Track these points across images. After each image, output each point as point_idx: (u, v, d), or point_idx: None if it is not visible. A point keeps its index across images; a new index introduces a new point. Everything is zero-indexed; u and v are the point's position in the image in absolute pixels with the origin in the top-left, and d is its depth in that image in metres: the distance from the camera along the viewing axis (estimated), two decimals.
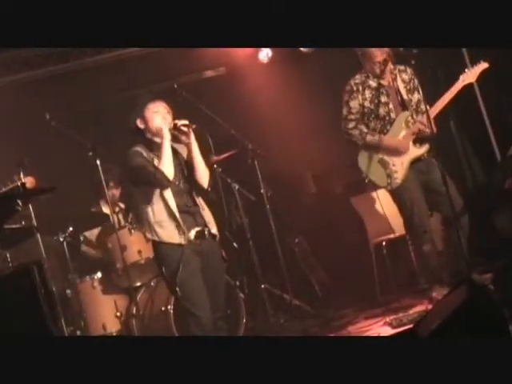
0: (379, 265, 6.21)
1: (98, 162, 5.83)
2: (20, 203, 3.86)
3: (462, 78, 5.43)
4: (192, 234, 4.50)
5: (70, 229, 5.94)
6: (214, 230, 4.65)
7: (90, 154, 5.83)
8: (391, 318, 5.25)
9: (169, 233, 4.48)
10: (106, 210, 6.38)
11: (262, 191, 6.75)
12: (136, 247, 6.07)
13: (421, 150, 5.48)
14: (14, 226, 4.84)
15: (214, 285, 4.57)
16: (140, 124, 4.59)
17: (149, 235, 4.60)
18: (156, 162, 4.49)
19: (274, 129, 7.43)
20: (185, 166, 4.65)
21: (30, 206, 5.05)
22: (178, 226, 4.47)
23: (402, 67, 5.57)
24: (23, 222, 5.17)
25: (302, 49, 7.14)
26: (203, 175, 4.61)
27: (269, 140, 7.30)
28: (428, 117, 5.13)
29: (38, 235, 5.44)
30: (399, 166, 5.43)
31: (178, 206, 4.49)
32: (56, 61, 6.97)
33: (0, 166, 4.62)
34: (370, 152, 5.50)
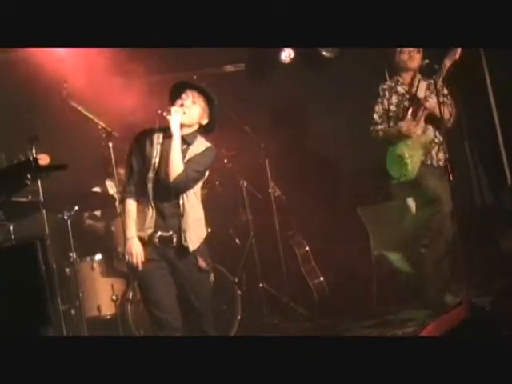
0: (379, 276, 6.21)
1: (110, 144, 5.85)
2: (30, 178, 3.85)
3: (445, 61, 5.48)
4: (157, 235, 4.29)
5: (76, 208, 5.95)
6: (188, 242, 4.32)
7: (104, 135, 5.85)
8: (386, 329, 5.29)
9: (136, 224, 4.33)
10: (113, 192, 6.40)
11: (269, 190, 6.77)
12: None
13: (428, 133, 5.62)
14: (20, 199, 4.85)
15: (192, 300, 4.39)
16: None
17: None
18: (156, 146, 4.34)
19: (287, 129, 7.43)
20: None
21: (39, 181, 5.08)
22: (145, 221, 4.31)
23: (431, 81, 5.65)
24: (30, 197, 5.18)
25: (323, 52, 7.15)
26: (174, 169, 4.23)
27: (281, 140, 7.31)
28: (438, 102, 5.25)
29: (44, 211, 5.46)
30: (415, 158, 5.57)
31: (155, 195, 4.29)
32: None
33: (15, 141, 4.62)
34: (392, 148, 5.67)
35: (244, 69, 7.43)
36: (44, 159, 4.28)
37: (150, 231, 4.30)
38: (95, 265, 6.21)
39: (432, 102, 5.53)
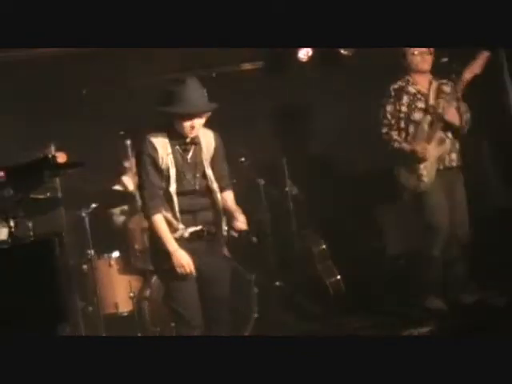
0: (396, 276, 6.20)
1: (128, 142, 5.88)
2: (48, 175, 3.87)
3: (465, 74, 5.46)
4: (187, 232, 4.35)
5: (94, 205, 5.98)
6: (214, 230, 4.47)
7: (122, 133, 5.88)
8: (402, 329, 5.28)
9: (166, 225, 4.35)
10: (132, 189, 6.42)
11: (286, 189, 6.77)
12: None
13: (443, 148, 5.60)
14: (39, 196, 4.87)
15: (212, 287, 4.46)
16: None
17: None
18: (171, 158, 4.32)
19: (304, 127, 7.41)
20: (197, 169, 4.43)
21: (58, 179, 5.10)
22: (175, 221, 4.34)
23: (444, 80, 5.67)
24: (48, 194, 5.20)
25: (341, 50, 7.13)
26: (217, 175, 4.46)
27: (299, 139, 7.30)
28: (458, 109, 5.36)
29: (62, 208, 5.49)
30: (425, 170, 5.55)
31: (180, 204, 4.33)
32: None
33: (33, 139, 4.66)
34: (403, 156, 5.62)
35: (262, 67, 7.42)
36: (61, 157, 4.30)
37: (181, 231, 4.34)
38: (112, 262, 6.22)
39: (450, 113, 5.55)
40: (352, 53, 6.81)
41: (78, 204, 5.89)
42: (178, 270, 4.28)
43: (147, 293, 6.07)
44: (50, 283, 3.44)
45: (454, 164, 5.66)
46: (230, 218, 4.42)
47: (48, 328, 3.39)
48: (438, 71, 5.71)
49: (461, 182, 5.71)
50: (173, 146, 4.31)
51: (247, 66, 7.59)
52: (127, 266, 6.21)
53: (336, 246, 6.96)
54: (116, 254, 6.25)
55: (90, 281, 6.05)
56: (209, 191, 4.44)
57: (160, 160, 4.28)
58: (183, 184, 4.33)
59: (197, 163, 4.39)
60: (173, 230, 4.33)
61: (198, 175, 4.39)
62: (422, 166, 5.54)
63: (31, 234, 5.08)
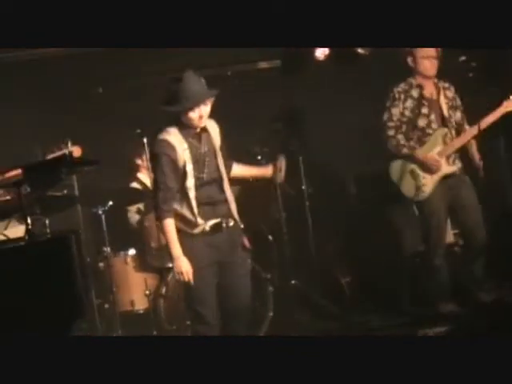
0: (412, 275, 6.18)
1: (145, 140, 5.88)
2: (65, 173, 3.88)
3: (504, 104, 5.38)
4: (208, 225, 4.34)
5: (110, 203, 5.99)
6: (233, 222, 4.47)
7: (139, 131, 5.89)
8: (418, 328, 5.26)
9: (182, 222, 4.35)
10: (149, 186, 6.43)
11: (303, 187, 6.76)
12: None
13: (453, 168, 5.54)
14: (56, 194, 4.88)
15: (233, 278, 4.45)
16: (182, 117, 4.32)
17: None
18: (188, 155, 4.31)
19: (321, 126, 7.39)
20: (212, 157, 4.42)
21: (75, 176, 5.11)
22: (193, 217, 4.33)
23: (446, 84, 5.62)
24: (65, 191, 5.22)
25: (358, 49, 7.11)
26: (226, 164, 4.48)
27: (315, 137, 7.28)
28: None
29: (79, 205, 5.50)
30: (429, 180, 5.49)
31: (198, 197, 4.33)
32: None
33: (50, 136, 4.67)
34: (404, 162, 5.54)
35: (278, 65, 7.40)
36: (77, 151, 4.31)
37: (201, 227, 4.33)
38: (129, 259, 6.24)
39: (457, 119, 5.55)
40: (369, 52, 6.79)
41: (94, 201, 5.91)
42: (177, 276, 4.30)
43: (163, 290, 6.07)
44: (67, 280, 3.44)
45: (457, 172, 5.57)
46: None
47: (64, 325, 3.40)
48: (454, 70, 5.66)
49: (466, 186, 5.57)
50: (186, 140, 4.30)
51: (263, 65, 7.58)
52: (143, 263, 6.22)
53: (352, 245, 6.96)
54: (132, 251, 6.27)
55: (106, 278, 6.07)
56: (221, 182, 4.43)
57: (178, 157, 4.27)
58: (201, 176, 4.32)
59: (211, 153, 4.39)
60: (192, 226, 4.33)
61: (213, 165, 4.39)
62: (426, 176, 5.48)
63: (48, 231, 5.10)
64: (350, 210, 7.39)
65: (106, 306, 6.07)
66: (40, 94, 6.60)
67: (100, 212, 5.93)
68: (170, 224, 4.30)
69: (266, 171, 4.69)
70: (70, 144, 4.61)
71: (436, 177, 5.48)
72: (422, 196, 5.50)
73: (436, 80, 5.58)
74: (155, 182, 4.38)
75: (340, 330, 5.86)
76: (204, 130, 4.38)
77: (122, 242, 6.32)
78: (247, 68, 7.49)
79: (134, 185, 6.52)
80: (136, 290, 6.18)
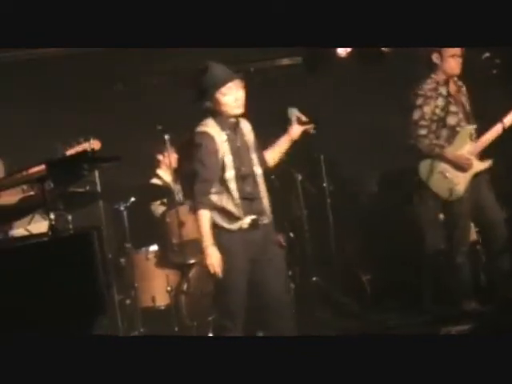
0: (433, 273, 6.14)
1: (166, 136, 5.89)
2: (87, 169, 3.88)
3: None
4: (246, 221, 4.31)
5: (132, 199, 6.00)
6: (268, 220, 4.43)
7: (160, 127, 5.90)
8: (440, 327, 5.23)
9: (223, 216, 4.33)
10: (169, 182, 6.45)
11: (324, 185, 6.74)
12: (194, 225, 6.08)
13: (485, 165, 5.48)
14: (78, 190, 4.91)
15: (269, 276, 4.39)
16: (209, 104, 4.34)
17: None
18: (226, 146, 4.32)
19: (343, 124, 7.37)
20: (246, 152, 4.42)
21: (97, 172, 5.13)
22: (236, 210, 4.32)
23: (460, 82, 5.58)
24: (87, 187, 5.24)
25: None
26: (273, 157, 4.53)
27: (336, 135, 7.25)
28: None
29: (101, 202, 5.52)
30: (461, 179, 5.42)
31: (238, 190, 4.32)
32: None
33: (71, 132, 4.69)
34: (433, 161, 5.44)
35: (300, 62, 7.38)
36: (96, 145, 4.32)
37: (240, 223, 4.30)
38: (150, 255, 6.25)
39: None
40: (392, 50, 6.74)
41: (116, 198, 5.93)
42: (210, 268, 4.26)
43: (184, 287, 6.08)
44: (88, 276, 3.45)
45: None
46: None
47: (86, 321, 3.40)
48: (478, 68, 5.60)
49: (486, 185, 5.54)
50: (224, 131, 4.31)
51: (285, 62, 7.57)
52: (164, 259, 6.23)
53: (373, 243, 6.94)
54: (153, 247, 6.28)
55: (128, 274, 6.08)
56: (254, 176, 4.40)
57: (217, 148, 4.27)
58: (238, 170, 4.30)
59: (245, 148, 4.39)
60: (232, 220, 4.30)
61: (247, 160, 4.37)
62: (459, 175, 5.42)
63: (70, 227, 5.12)
64: (371, 208, 7.37)
65: (128, 301, 6.08)
66: (62, 92, 6.63)
67: (122, 208, 5.95)
68: (205, 215, 4.27)
69: (293, 134, 4.55)
70: (91, 140, 4.63)
71: (468, 175, 5.42)
72: (455, 196, 5.40)
73: (455, 78, 5.53)
74: (193, 173, 4.34)
75: (361, 328, 5.83)
76: (237, 124, 4.38)
77: (143, 238, 6.34)
78: (269, 65, 7.48)
79: (155, 181, 6.54)
80: (157, 286, 6.19)
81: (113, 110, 6.76)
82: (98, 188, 5.34)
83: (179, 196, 6.46)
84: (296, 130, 4.53)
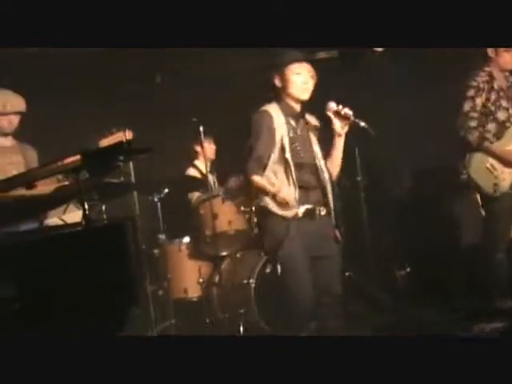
0: (469, 270, 6.10)
1: (201, 128, 5.91)
2: (122, 160, 3.89)
3: None
4: (301, 210, 4.20)
5: (166, 190, 6.03)
6: (327, 210, 4.32)
7: (195, 119, 5.91)
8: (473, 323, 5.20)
9: (276, 203, 4.20)
10: (205, 173, 6.48)
11: (358, 179, 6.71)
12: (227, 217, 6.10)
13: None
14: (113, 181, 4.92)
15: (324, 266, 4.29)
16: (278, 82, 4.32)
17: (258, 202, 4.34)
18: (285, 128, 4.26)
19: (379, 119, 7.31)
20: (307, 143, 4.34)
21: (131, 163, 5.15)
22: (290, 198, 4.19)
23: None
24: (122, 178, 5.25)
25: None
26: (336, 164, 4.39)
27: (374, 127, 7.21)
28: None
29: (135, 192, 5.54)
30: (507, 175, 5.36)
31: (295, 176, 4.21)
32: None
33: (108, 125, 4.71)
34: (482, 156, 5.37)
35: (337, 56, 7.34)
36: (128, 135, 4.34)
37: (295, 210, 4.21)
38: (183, 247, 6.28)
39: None
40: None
41: (150, 189, 5.96)
42: (281, 210, 4.18)
43: (216, 279, 6.10)
44: (122, 266, 3.46)
45: None
46: None
47: (119, 311, 3.41)
48: None
49: None
50: (285, 116, 4.27)
51: (322, 55, 7.52)
52: (197, 251, 6.25)
53: (407, 237, 6.89)
54: (186, 239, 6.30)
55: (161, 265, 6.12)
56: (316, 168, 4.33)
57: (275, 127, 4.22)
58: (295, 156, 4.22)
59: (307, 139, 4.32)
60: (289, 207, 4.19)
61: (308, 150, 4.30)
62: (504, 171, 5.35)
63: (104, 217, 5.15)
64: (405, 202, 7.32)
65: (160, 292, 6.12)
66: (100, 83, 6.67)
67: (156, 199, 5.99)
68: (258, 179, 4.23)
69: (338, 130, 4.35)
70: (126, 131, 4.64)
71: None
72: (499, 192, 5.34)
73: (508, 73, 5.46)
74: (249, 149, 4.28)
75: (394, 323, 5.80)
76: (302, 115, 4.34)
77: (176, 230, 6.36)
78: (306, 57, 7.44)
79: (191, 172, 6.57)
80: (189, 277, 6.22)
81: (150, 102, 6.77)
82: (133, 179, 5.36)
83: (214, 187, 6.47)
84: (338, 125, 4.33)
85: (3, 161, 4.66)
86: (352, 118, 4.23)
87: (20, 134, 4.98)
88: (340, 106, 4.25)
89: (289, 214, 4.19)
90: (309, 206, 4.24)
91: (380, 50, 6.93)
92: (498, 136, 5.40)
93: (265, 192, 4.22)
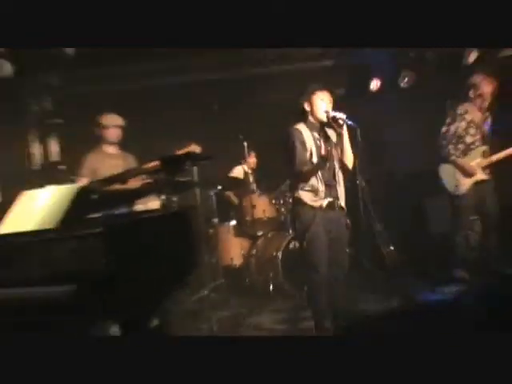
0: (436, 249, 6.06)
1: (245, 143, 5.91)
2: (188, 164, 3.91)
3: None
4: (325, 202, 4.14)
5: (219, 187, 6.04)
6: (343, 203, 4.24)
7: (241, 136, 5.92)
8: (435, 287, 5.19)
9: (310, 196, 4.16)
10: (242, 175, 6.48)
11: (357, 182, 6.63)
12: (262, 207, 6.11)
13: (485, 177, 5.36)
14: (182, 179, 4.94)
15: (337, 246, 4.21)
16: (306, 106, 4.24)
17: (295, 193, 4.25)
18: (312, 141, 4.16)
19: (381, 133, 7.14)
20: (334, 148, 4.24)
21: (195, 168, 5.18)
22: (318, 193, 4.14)
23: (487, 113, 5.43)
24: (188, 178, 5.28)
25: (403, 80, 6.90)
26: (349, 159, 4.24)
27: (372, 137, 7.10)
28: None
29: (197, 189, 5.57)
30: (466, 181, 5.33)
31: (321, 178, 4.15)
32: None
33: (180, 138, 4.72)
34: (449, 166, 5.39)
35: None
36: (197, 149, 4.34)
37: (320, 202, 4.15)
38: (230, 228, 6.30)
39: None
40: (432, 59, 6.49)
41: (208, 186, 5.97)
42: (310, 201, 4.12)
43: (253, 251, 6.11)
44: (187, 242, 3.47)
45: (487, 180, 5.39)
46: None
47: (184, 272, 3.42)
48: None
49: (491, 190, 5.38)
50: (311, 132, 4.18)
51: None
52: (240, 231, 6.27)
53: (392, 225, 6.82)
54: (233, 222, 6.32)
55: (214, 241, 6.14)
56: (334, 170, 4.23)
57: (305, 140, 4.15)
58: (320, 160, 4.13)
59: (326, 145, 4.21)
60: (317, 198, 4.14)
61: (329, 155, 4.18)
62: (464, 179, 5.34)
63: (175, 206, 5.17)
64: (393, 197, 7.22)
65: (213, 260, 6.14)
66: (178, 112, 6.71)
67: (212, 194, 6.00)
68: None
69: (339, 131, 4.19)
70: (192, 144, 4.67)
71: (471, 181, 5.33)
72: (459, 192, 5.35)
73: (491, 108, 5.36)
74: (291, 156, 4.17)
75: (382, 286, 5.72)
76: (322, 129, 4.23)
77: (226, 216, 6.38)
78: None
79: (236, 174, 6.57)
80: (234, 250, 6.23)
81: (210, 123, 6.77)
82: (196, 178, 5.38)
83: (253, 187, 6.48)
84: (337, 127, 4.19)
85: (108, 164, 4.70)
86: (345, 120, 4.09)
87: (123, 145, 5.01)
88: (336, 113, 4.11)
89: (316, 204, 4.14)
90: (330, 200, 4.18)
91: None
92: (465, 153, 5.37)
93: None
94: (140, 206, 4.07)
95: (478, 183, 5.36)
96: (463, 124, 5.34)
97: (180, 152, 4.24)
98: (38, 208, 3.12)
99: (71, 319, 2.53)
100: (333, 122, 4.17)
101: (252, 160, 6.53)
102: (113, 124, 4.88)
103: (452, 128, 5.35)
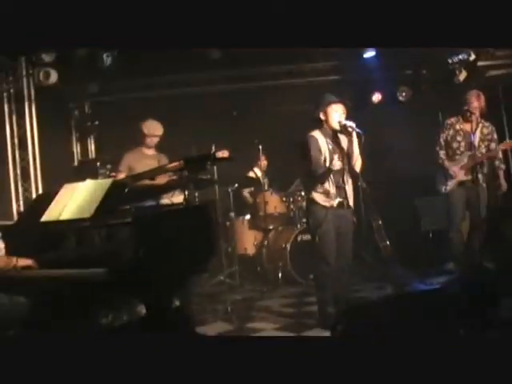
0: (428, 244, 6.00)
1: (260, 147, 5.90)
2: (209, 164, 3.89)
3: (499, 146, 5.25)
4: (335, 202, 4.10)
5: (236, 185, 6.04)
6: (351, 203, 4.18)
7: (256, 141, 5.91)
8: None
9: (322, 197, 4.11)
10: (259, 176, 6.45)
11: (358, 184, 6.57)
12: (274, 204, 6.09)
13: (467, 178, 5.30)
14: (203, 177, 4.94)
15: (344, 240, 4.16)
16: (322, 116, 4.17)
17: (309, 194, 4.19)
18: (326, 147, 4.09)
19: (382, 141, 7.04)
20: (344, 153, 4.15)
21: (215, 167, 5.16)
22: (329, 195, 4.10)
23: (486, 123, 5.32)
24: (209, 176, 5.27)
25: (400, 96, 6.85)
26: (358, 163, 4.14)
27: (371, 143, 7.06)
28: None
29: (216, 186, 5.56)
30: (451, 182, 5.34)
31: (333, 181, 4.10)
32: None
33: (202, 141, 4.71)
34: (439, 168, 5.41)
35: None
36: (224, 153, 4.30)
37: (332, 201, 4.10)
38: (245, 221, 6.28)
39: (491, 148, 5.28)
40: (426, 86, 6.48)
41: (226, 183, 5.96)
42: (323, 201, 4.06)
43: (265, 243, 6.09)
44: (207, 232, 3.45)
45: (469, 181, 5.30)
46: None
47: (204, 259, 3.40)
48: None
49: (480, 192, 5.20)
50: (325, 138, 4.12)
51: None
52: (254, 224, 6.25)
53: (388, 222, 6.77)
54: (247, 216, 6.30)
55: (230, 232, 6.13)
56: (343, 173, 4.15)
57: (320, 146, 4.09)
58: (333, 164, 4.03)
59: (339, 151, 4.12)
60: (329, 199, 4.09)
61: (341, 160, 4.08)
62: (450, 179, 5.33)
63: (197, 200, 5.17)
64: (392, 196, 7.15)
65: (229, 249, 6.13)
66: (199, 112, 6.71)
67: (229, 190, 5.99)
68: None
69: (349, 138, 4.08)
70: (213, 147, 4.66)
71: (455, 181, 5.31)
72: (446, 190, 5.35)
73: (478, 118, 5.26)
74: (309, 160, 4.10)
75: (379, 276, 5.65)
76: (336, 135, 4.15)
77: (241, 210, 6.36)
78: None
79: (251, 174, 6.55)
80: (248, 241, 6.22)
81: (229, 128, 6.71)
82: (215, 176, 5.37)
83: (265, 186, 6.46)
84: (347, 134, 4.12)
85: (145, 163, 4.67)
86: (354, 128, 4.02)
87: (159, 147, 4.98)
88: (346, 122, 4.05)
89: (328, 204, 4.11)
90: (340, 199, 4.14)
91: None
92: (452, 159, 5.35)
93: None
94: (165, 200, 4.05)
95: (462, 184, 5.31)
96: (451, 132, 5.35)
97: (202, 153, 4.22)
98: (76, 199, 3.13)
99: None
100: (343, 130, 4.14)
101: (263, 163, 6.50)
102: (154, 134, 4.87)
103: (443, 136, 5.40)
